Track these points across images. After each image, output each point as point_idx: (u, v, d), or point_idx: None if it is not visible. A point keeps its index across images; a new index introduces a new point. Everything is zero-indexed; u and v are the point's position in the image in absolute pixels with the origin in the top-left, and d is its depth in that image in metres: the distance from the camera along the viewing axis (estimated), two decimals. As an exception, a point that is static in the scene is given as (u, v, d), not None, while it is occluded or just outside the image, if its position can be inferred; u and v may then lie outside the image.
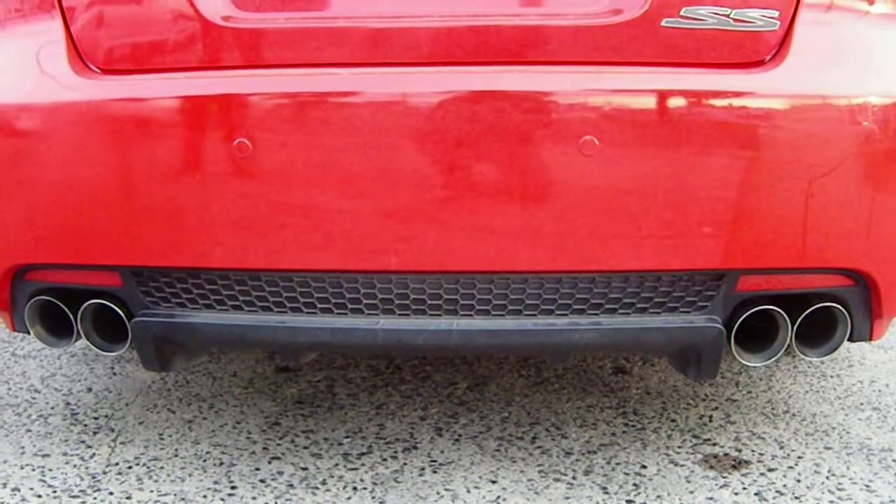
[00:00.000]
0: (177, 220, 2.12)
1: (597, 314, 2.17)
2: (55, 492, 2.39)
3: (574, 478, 2.46)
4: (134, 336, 2.24)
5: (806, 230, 2.09)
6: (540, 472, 2.49)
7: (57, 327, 2.36)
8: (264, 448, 2.64)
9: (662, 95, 2.04)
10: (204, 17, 2.13)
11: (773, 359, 2.23)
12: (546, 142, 2.02)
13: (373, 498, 2.35)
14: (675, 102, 2.04)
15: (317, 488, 2.40)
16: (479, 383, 3.14)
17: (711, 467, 2.52)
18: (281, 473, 2.48)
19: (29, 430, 2.76)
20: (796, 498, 2.36)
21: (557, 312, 2.17)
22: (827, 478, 2.47)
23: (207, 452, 2.61)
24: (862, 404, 2.98)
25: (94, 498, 2.36)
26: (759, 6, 2.07)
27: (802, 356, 2.26)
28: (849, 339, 2.27)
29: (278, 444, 2.66)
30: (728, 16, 2.07)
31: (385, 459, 2.56)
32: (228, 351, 3.45)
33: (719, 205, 2.06)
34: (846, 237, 2.12)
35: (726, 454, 2.60)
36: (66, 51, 2.19)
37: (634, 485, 2.42)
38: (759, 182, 2.05)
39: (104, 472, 2.49)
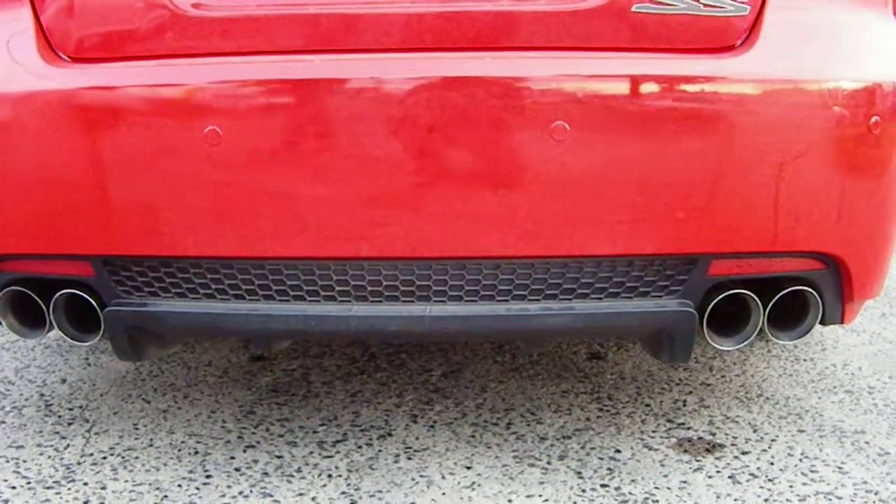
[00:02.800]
0: (148, 208, 2.11)
1: (569, 299, 2.17)
2: (29, 483, 2.38)
3: (549, 463, 2.46)
4: (107, 326, 2.23)
5: (777, 214, 2.10)
6: (515, 457, 2.50)
7: (29, 318, 2.35)
8: (239, 437, 2.63)
9: (633, 81, 2.04)
10: (174, 5, 2.12)
11: (746, 342, 2.24)
12: (517, 127, 2.02)
13: (348, 485, 2.36)
14: (646, 88, 2.04)
15: (292, 476, 2.40)
16: (453, 370, 3.14)
17: (685, 451, 2.53)
18: (256, 462, 2.48)
19: (3, 422, 2.75)
20: (770, 480, 2.37)
21: (530, 298, 2.17)
22: (800, 460, 2.48)
23: (182, 442, 2.60)
24: (835, 387, 3.00)
25: (69, 489, 2.35)
26: (730, -9, 2.09)
27: (775, 340, 2.27)
28: (821, 323, 2.28)
29: (253, 433, 2.65)
30: (698, 1, 2.07)
31: (360, 447, 2.56)
32: (202, 340, 3.44)
33: (691, 189, 2.06)
34: (817, 221, 2.14)
35: (700, 438, 2.61)
36: (35, 39, 2.17)
37: (609, 469, 2.43)
38: (730, 166, 2.06)
39: (79, 463, 2.49)
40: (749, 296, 2.19)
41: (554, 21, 2.08)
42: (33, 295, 2.27)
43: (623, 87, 2.05)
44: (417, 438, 2.61)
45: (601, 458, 2.49)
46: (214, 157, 2.06)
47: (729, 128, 2.05)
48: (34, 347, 3.41)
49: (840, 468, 2.44)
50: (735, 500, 2.28)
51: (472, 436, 2.63)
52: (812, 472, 2.42)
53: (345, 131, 2.03)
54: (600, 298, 2.18)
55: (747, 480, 2.37)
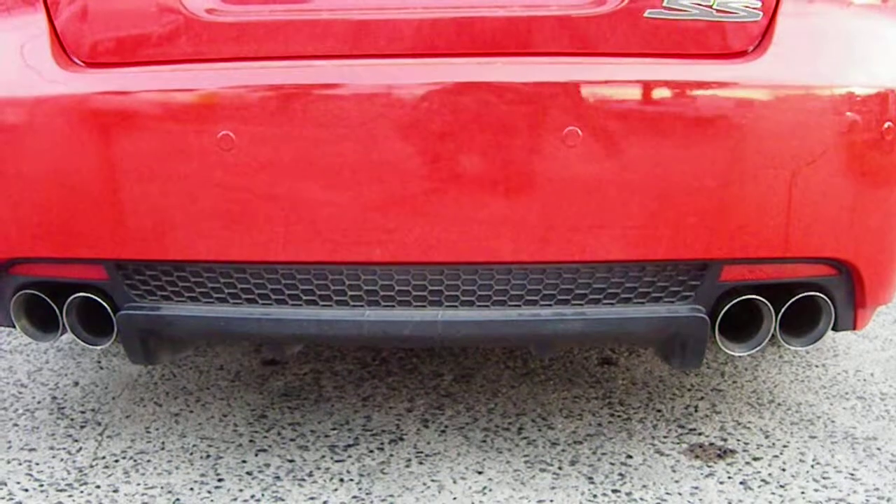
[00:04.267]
0: (162, 213, 2.12)
1: (581, 304, 2.18)
2: (42, 486, 2.39)
3: (560, 468, 2.46)
4: (119, 329, 2.24)
5: (789, 220, 2.10)
6: (526, 462, 2.50)
7: (43, 321, 2.36)
8: (251, 440, 2.64)
9: (645, 86, 2.04)
10: (188, 10, 2.13)
11: (758, 348, 2.24)
12: (529, 133, 2.02)
13: (359, 489, 2.36)
14: (658, 93, 2.04)
15: (303, 480, 2.41)
16: (465, 375, 3.14)
17: (697, 457, 2.53)
18: (268, 466, 2.49)
19: (16, 425, 2.76)
20: (781, 486, 2.37)
21: (542, 303, 2.17)
22: (812, 466, 2.48)
23: (194, 445, 2.61)
24: (847, 393, 3.00)
25: (81, 491, 2.36)
26: (742, -3, 2.09)
27: (787, 345, 2.27)
28: (833, 329, 2.28)
29: (265, 437, 2.66)
30: (710, 6, 2.07)
31: (371, 451, 2.57)
32: (215, 344, 3.45)
33: (703, 195, 2.06)
34: (829, 227, 2.13)
35: (712, 444, 2.61)
36: (49, 44, 2.18)
37: (620, 474, 2.43)
38: (743, 172, 2.06)
39: (91, 466, 2.49)
40: (761, 301, 2.19)
41: (566, 27, 2.08)
42: (47, 298, 2.28)
43: (635, 93, 2.05)
44: (429, 443, 2.61)
45: (612, 464, 2.49)
46: (228, 162, 2.06)
47: (741, 133, 2.04)
48: (47, 350, 3.42)
49: (852, 475, 2.44)
50: (746, 505, 2.29)
51: (484, 441, 2.63)
52: (824, 478, 2.42)
53: (358, 136, 2.03)
54: (612, 304, 2.18)
55: (759, 486, 2.37)
